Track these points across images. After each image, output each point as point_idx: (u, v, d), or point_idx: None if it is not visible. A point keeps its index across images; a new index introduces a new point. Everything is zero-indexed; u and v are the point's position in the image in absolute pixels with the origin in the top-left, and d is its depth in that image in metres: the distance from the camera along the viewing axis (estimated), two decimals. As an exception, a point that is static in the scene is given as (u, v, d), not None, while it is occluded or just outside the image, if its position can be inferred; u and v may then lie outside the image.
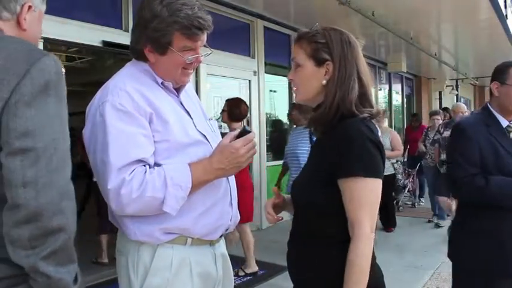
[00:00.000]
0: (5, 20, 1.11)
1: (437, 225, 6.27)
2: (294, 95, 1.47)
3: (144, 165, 1.34)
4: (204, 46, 1.48)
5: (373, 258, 1.33)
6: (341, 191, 1.27)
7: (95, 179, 4.62)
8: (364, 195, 1.25)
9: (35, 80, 0.98)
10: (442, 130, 5.72)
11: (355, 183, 1.25)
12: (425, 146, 6.65)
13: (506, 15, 7.66)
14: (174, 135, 1.40)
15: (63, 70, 1.14)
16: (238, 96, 4.68)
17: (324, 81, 1.35)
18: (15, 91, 0.96)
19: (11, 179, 0.95)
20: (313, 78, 1.37)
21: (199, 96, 5.18)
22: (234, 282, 1.71)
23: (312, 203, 1.35)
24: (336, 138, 1.30)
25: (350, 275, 1.23)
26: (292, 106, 4.73)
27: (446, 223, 5.83)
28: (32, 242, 0.96)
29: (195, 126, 1.49)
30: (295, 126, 4.76)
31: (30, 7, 1.15)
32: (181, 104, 1.51)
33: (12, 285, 1.01)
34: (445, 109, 8.64)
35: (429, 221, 6.52)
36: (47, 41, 3.84)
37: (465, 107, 6.25)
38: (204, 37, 1.44)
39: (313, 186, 1.35)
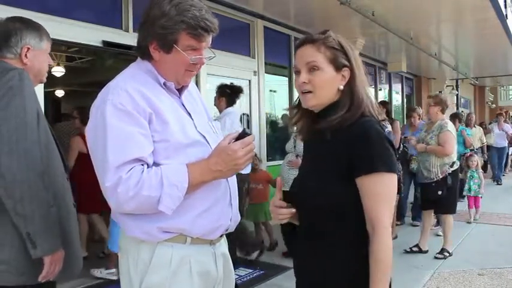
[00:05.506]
0: (10, 58, 1.75)
1: None
2: (306, 97, 1.40)
3: (143, 165, 1.35)
4: (209, 49, 1.50)
5: None
6: (360, 189, 1.30)
7: None
8: (384, 191, 1.30)
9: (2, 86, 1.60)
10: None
11: (377, 179, 1.29)
12: None
13: (506, 15, 7.66)
14: (173, 136, 1.41)
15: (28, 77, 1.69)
16: None
17: (341, 86, 1.38)
18: None
19: None
20: (332, 83, 1.38)
21: (199, 96, 5.22)
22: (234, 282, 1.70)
23: (327, 204, 1.34)
24: (353, 137, 1.32)
25: (377, 270, 1.27)
26: None
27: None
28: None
29: (196, 127, 1.49)
30: None
31: (28, 48, 1.77)
32: (183, 105, 1.52)
33: None
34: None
35: None
36: (47, 41, 3.84)
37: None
38: (209, 39, 1.46)
39: (327, 188, 1.35)
